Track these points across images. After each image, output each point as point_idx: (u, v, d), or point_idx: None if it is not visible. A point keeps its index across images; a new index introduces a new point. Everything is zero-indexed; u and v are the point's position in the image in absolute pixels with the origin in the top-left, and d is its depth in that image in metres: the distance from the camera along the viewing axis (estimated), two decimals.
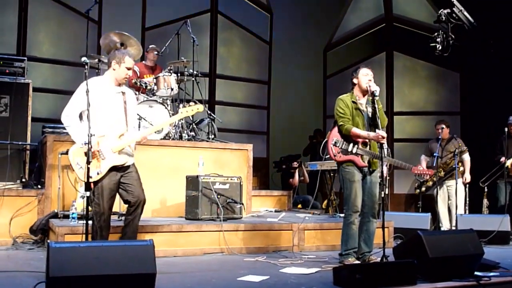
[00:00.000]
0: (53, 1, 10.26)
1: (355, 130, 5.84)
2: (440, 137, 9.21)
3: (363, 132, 5.86)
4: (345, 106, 5.93)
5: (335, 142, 5.93)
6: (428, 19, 11.80)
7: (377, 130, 5.82)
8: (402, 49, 11.96)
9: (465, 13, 6.50)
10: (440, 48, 6.39)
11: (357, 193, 5.88)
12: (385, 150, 5.84)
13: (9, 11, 9.90)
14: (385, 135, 5.77)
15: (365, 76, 5.96)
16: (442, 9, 6.49)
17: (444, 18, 6.32)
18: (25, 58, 8.18)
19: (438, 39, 6.34)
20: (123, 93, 5.39)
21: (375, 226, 6.10)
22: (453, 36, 6.48)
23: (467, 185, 9.20)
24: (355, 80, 6.05)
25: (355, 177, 5.89)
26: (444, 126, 9.22)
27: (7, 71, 7.75)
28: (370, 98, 5.95)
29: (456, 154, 8.60)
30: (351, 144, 5.88)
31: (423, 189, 9.47)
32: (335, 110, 6.02)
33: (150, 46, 9.30)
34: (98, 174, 5.11)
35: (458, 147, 8.81)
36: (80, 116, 5.26)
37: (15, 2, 9.93)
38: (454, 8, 6.49)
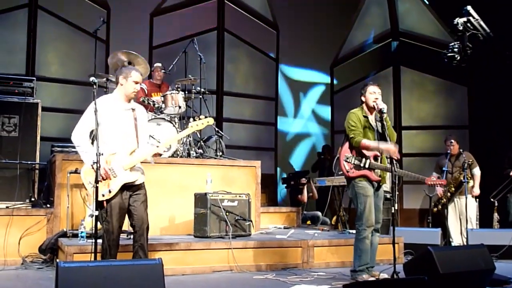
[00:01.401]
0: (61, 21, 10.35)
1: (364, 141, 5.86)
2: (449, 151, 9.16)
3: (372, 143, 5.87)
4: (357, 120, 5.97)
5: (347, 158, 5.93)
6: (435, 33, 11.86)
7: None
8: (409, 64, 11.97)
9: (481, 22, 6.44)
10: (458, 58, 6.31)
11: (371, 208, 5.89)
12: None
13: (18, 31, 9.99)
14: (395, 145, 5.78)
15: (371, 94, 5.99)
16: (458, 18, 6.42)
17: (461, 27, 6.24)
18: (34, 78, 8.24)
19: (456, 49, 6.25)
20: (133, 109, 5.38)
21: (378, 240, 6.10)
22: (470, 46, 6.42)
23: (477, 199, 9.15)
24: (363, 98, 6.09)
25: (369, 192, 5.90)
26: (453, 141, 9.19)
27: (16, 91, 7.80)
28: (379, 114, 5.97)
29: (465, 168, 8.55)
30: (363, 159, 5.88)
31: (440, 207, 9.40)
32: (346, 124, 6.04)
33: (155, 65, 9.35)
34: (110, 192, 5.08)
35: (465, 160, 8.77)
36: (91, 134, 5.26)
37: (24, 23, 10.02)
38: (470, 17, 6.43)
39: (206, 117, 5.67)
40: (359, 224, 5.95)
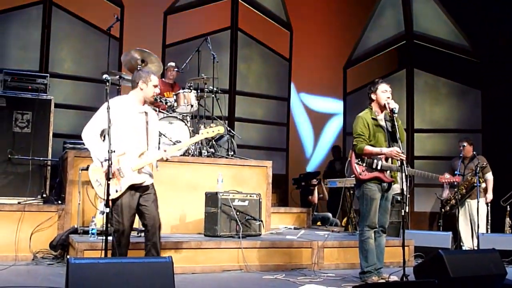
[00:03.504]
0: (76, 18, 10.40)
1: (367, 148, 5.82)
2: (461, 154, 9.09)
3: (375, 149, 5.83)
4: (364, 125, 5.89)
5: (359, 160, 5.89)
6: (449, 36, 11.82)
7: (395, 146, 5.80)
8: (422, 66, 11.92)
9: None
10: None
11: (376, 210, 5.86)
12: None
13: (33, 28, 10.05)
14: (399, 150, 5.72)
15: (383, 93, 5.92)
16: None
17: None
18: (48, 74, 8.31)
19: None
20: (146, 113, 5.42)
21: (385, 241, 6.07)
22: None
23: (489, 204, 9.09)
24: (373, 96, 6.00)
25: (376, 195, 5.85)
26: (465, 144, 9.11)
27: (29, 87, 7.85)
28: (389, 114, 5.91)
29: (478, 172, 8.50)
30: (375, 161, 5.83)
31: (448, 208, 9.35)
32: (354, 128, 5.98)
33: (169, 64, 9.35)
34: (116, 191, 5.09)
35: (478, 163, 8.72)
36: (102, 134, 5.28)
37: (38, 20, 10.08)
38: None
39: (217, 124, 5.69)
40: (362, 225, 5.93)
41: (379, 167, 5.83)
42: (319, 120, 13.93)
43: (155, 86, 5.37)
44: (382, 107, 5.96)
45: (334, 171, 11.83)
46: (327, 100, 14.00)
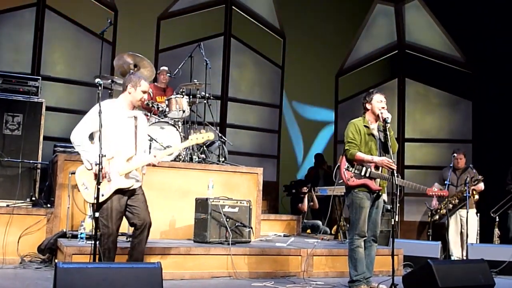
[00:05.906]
0: (69, 21, 10.37)
1: (359, 154, 5.82)
2: (451, 165, 9.11)
3: (367, 156, 5.83)
4: (356, 131, 5.91)
5: (348, 167, 5.90)
6: (441, 47, 11.89)
7: (386, 156, 5.82)
8: (414, 76, 11.97)
9: None
10: None
11: (365, 219, 5.86)
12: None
13: (25, 30, 10.02)
14: (391, 160, 5.74)
15: (379, 103, 5.94)
16: None
17: None
18: (39, 77, 8.27)
19: None
20: (135, 117, 5.41)
21: (375, 250, 6.06)
22: None
23: (478, 214, 9.11)
24: (368, 106, 6.02)
25: (365, 204, 5.85)
26: (462, 156, 9.18)
27: (21, 89, 7.82)
28: (382, 124, 5.93)
29: (468, 183, 8.52)
30: (364, 168, 5.84)
31: (437, 217, 9.39)
32: (345, 133, 6.00)
33: (161, 68, 9.36)
34: (102, 195, 5.07)
35: (473, 176, 8.75)
36: (90, 137, 5.26)
37: (31, 22, 10.04)
38: None
39: (207, 131, 5.69)
40: (351, 234, 5.93)
41: (367, 175, 5.84)
42: (310, 128, 13.97)
43: (144, 92, 5.36)
44: (376, 117, 5.97)
45: (317, 176, 11.84)
46: (319, 108, 14.04)
